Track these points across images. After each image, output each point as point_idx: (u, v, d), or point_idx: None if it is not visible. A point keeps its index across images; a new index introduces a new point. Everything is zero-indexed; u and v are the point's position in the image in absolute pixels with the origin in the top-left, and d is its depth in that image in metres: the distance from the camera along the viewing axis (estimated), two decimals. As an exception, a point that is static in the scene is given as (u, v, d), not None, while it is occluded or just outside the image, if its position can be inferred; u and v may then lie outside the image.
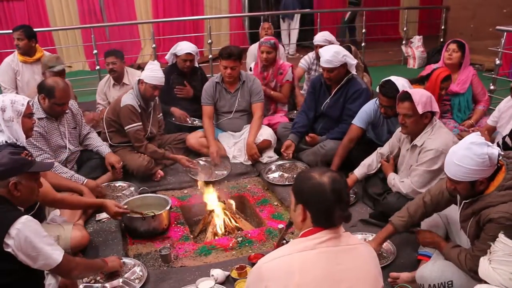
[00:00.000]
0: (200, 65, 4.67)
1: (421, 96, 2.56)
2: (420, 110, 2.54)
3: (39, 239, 1.74)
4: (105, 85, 4.45)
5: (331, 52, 3.43)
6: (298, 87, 4.80)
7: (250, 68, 4.45)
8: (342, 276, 1.40)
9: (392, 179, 2.80)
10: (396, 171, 2.90)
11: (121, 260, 2.39)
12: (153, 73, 3.44)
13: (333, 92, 3.59)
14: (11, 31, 4.69)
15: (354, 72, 3.59)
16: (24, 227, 1.70)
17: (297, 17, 8.22)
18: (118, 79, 4.38)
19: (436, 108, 2.60)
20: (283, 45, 7.38)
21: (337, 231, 1.46)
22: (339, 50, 3.49)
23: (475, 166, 1.83)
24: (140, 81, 3.48)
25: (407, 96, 2.59)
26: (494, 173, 1.90)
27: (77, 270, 1.93)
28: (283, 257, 1.42)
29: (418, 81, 3.69)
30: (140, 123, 3.47)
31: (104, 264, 2.20)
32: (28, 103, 2.53)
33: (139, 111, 3.48)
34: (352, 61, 3.53)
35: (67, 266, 1.85)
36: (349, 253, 1.45)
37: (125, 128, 3.45)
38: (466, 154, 1.85)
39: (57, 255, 1.80)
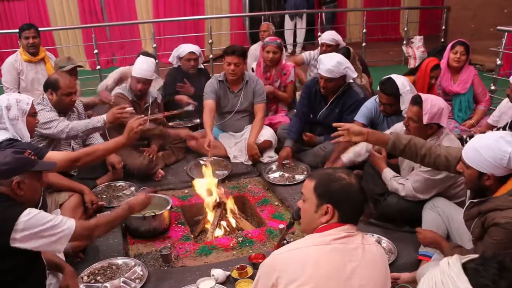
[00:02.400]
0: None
1: (432, 106, 2.43)
2: (425, 120, 2.44)
3: (47, 219, 1.77)
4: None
5: (333, 62, 3.33)
6: (298, 69, 4.81)
7: (252, 68, 4.43)
8: (353, 273, 1.42)
9: (389, 178, 2.71)
10: (396, 169, 2.84)
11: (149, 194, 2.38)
12: (138, 65, 3.53)
13: (329, 102, 3.55)
14: (11, 31, 4.70)
15: (351, 80, 3.54)
16: (29, 217, 1.73)
17: (305, 16, 8.21)
18: None
19: (444, 122, 2.48)
20: (285, 45, 7.41)
21: (355, 229, 1.51)
22: (342, 61, 3.38)
23: (491, 159, 1.81)
24: (130, 75, 3.58)
25: (418, 101, 2.48)
26: (508, 176, 1.87)
27: (99, 230, 1.99)
28: (299, 249, 1.45)
29: (410, 73, 3.69)
30: (132, 109, 3.46)
31: (129, 212, 2.22)
32: (32, 102, 2.55)
33: (130, 98, 3.53)
34: (353, 74, 3.47)
35: (87, 230, 1.92)
36: (362, 251, 1.46)
37: None
38: (490, 144, 1.82)
39: (70, 222, 1.85)
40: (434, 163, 2.22)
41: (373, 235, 2.62)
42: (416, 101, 2.49)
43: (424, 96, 2.51)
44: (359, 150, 2.99)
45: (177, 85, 4.23)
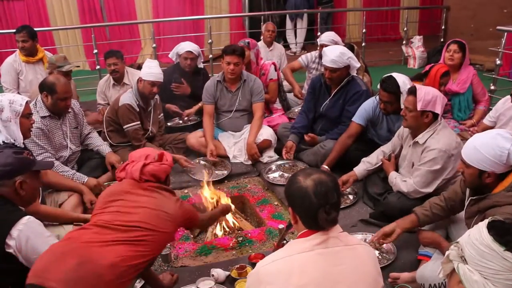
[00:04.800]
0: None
1: (426, 94, 2.52)
2: (418, 107, 2.52)
3: (41, 240, 1.73)
4: (104, 85, 4.44)
5: (336, 52, 3.40)
6: (291, 75, 4.76)
7: None
8: (340, 276, 1.40)
9: (394, 178, 2.79)
10: (397, 169, 2.89)
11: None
12: (151, 69, 3.46)
13: (333, 93, 3.59)
14: (11, 31, 4.68)
15: (354, 73, 3.58)
16: (26, 228, 1.70)
17: (306, 16, 8.20)
18: (119, 80, 4.37)
19: (438, 110, 2.55)
20: (286, 45, 7.39)
21: (329, 233, 1.44)
22: (345, 51, 3.46)
23: (491, 156, 1.83)
24: (139, 80, 3.51)
25: (413, 90, 2.58)
26: (506, 173, 1.89)
27: None
28: (282, 259, 1.42)
29: (417, 78, 3.69)
30: (139, 122, 3.49)
31: None
32: (26, 103, 2.52)
33: (138, 110, 3.50)
34: (356, 64, 3.52)
35: None
36: (347, 253, 1.44)
37: (124, 127, 3.48)
38: (489, 142, 1.85)
39: None
40: (453, 206, 2.27)
41: (372, 235, 2.62)
42: (412, 91, 2.60)
43: (418, 86, 2.61)
44: (369, 160, 3.03)
45: (172, 85, 4.24)
